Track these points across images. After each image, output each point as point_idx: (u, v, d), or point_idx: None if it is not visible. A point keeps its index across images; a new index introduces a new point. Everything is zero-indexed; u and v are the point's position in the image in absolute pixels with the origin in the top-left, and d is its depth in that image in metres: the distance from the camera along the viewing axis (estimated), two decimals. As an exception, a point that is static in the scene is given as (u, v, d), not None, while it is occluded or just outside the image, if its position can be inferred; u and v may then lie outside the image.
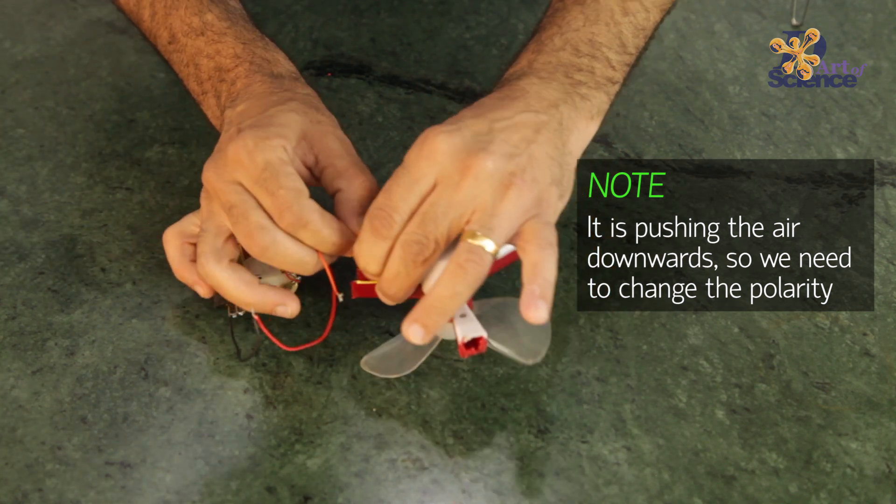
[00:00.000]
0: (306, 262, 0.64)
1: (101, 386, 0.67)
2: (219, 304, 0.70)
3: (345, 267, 0.66)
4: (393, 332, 0.70)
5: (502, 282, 0.74)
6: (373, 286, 0.64)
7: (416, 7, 0.95)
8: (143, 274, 0.73)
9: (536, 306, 0.60)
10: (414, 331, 0.61)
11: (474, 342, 0.63)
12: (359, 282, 0.65)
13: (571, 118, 0.66)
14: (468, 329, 0.64)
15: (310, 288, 0.72)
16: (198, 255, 0.66)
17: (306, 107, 0.67)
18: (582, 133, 0.67)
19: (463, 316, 0.64)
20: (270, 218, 0.63)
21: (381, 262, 0.62)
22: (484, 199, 0.60)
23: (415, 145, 0.62)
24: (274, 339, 0.68)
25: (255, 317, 0.68)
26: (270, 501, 0.62)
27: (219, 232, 0.65)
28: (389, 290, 0.63)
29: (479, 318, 0.65)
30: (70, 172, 0.79)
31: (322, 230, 0.63)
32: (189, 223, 0.69)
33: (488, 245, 0.60)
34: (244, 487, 0.62)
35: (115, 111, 0.84)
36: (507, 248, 0.64)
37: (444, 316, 0.61)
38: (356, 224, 0.65)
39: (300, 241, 0.64)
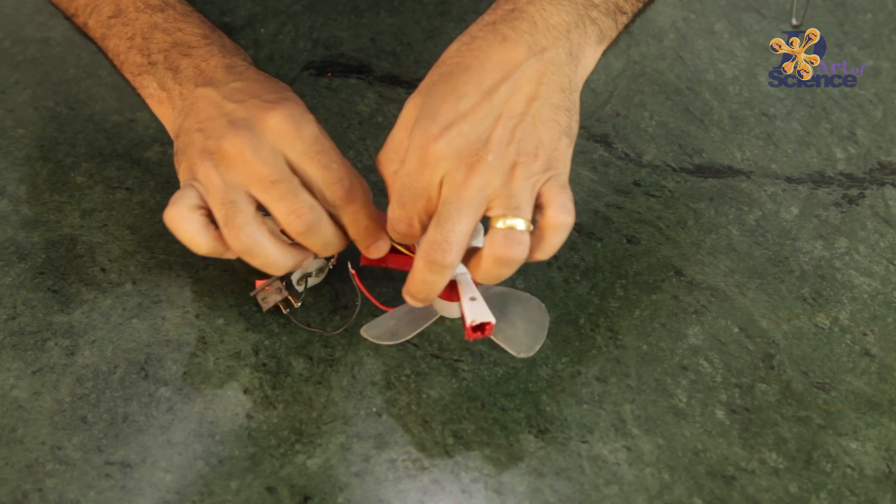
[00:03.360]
0: (336, 245, 0.66)
1: (101, 386, 0.67)
2: (269, 309, 0.70)
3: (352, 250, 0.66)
4: (417, 318, 0.70)
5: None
6: (381, 257, 0.67)
7: (416, 7, 0.95)
8: (143, 274, 0.73)
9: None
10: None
11: (481, 326, 0.64)
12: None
13: (580, 45, 0.65)
14: (478, 313, 0.64)
15: (310, 290, 0.72)
16: (230, 227, 0.63)
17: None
18: (589, 60, 0.66)
19: (473, 299, 0.65)
20: (314, 196, 0.63)
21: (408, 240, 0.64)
22: (495, 187, 0.60)
23: (413, 151, 0.61)
24: (371, 297, 0.69)
25: (352, 271, 0.69)
26: (270, 501, 0.62)
27: (250, 200, 0.63)
28: (418, 296, 0.63)
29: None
30: (70, 172, 0.79)
31: (365, 208, 0.65)
32: (191, 197, 0.64)
33: (519, 224, 0.61)
34: (244, 487, 0.62)
35: (115, 111, 0.84)
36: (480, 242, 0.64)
37: (428, 297, 0.64)
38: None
39: (340, 218, 0.65)
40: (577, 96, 0.64)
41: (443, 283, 0.62)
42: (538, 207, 0.62)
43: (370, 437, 0.65)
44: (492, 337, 0.67)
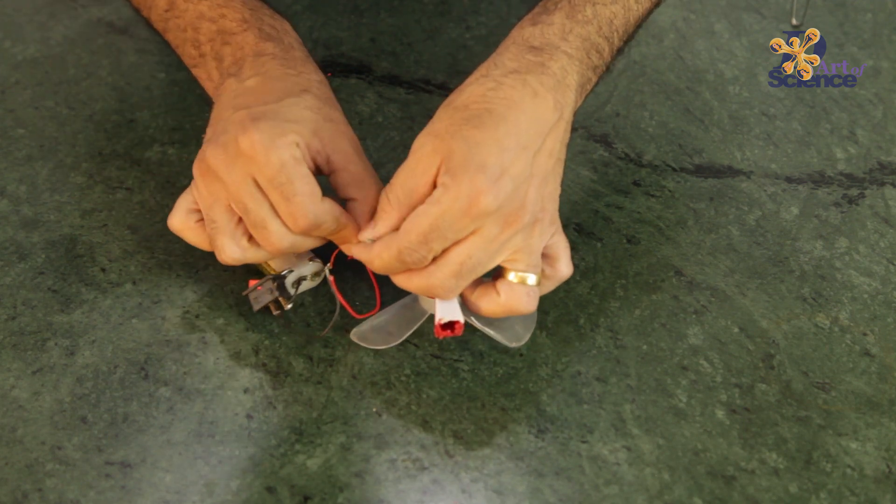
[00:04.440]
0: (312, 245, 0.67)
1: (101, 386, 0.67)
2: (259, 309, 0.70)
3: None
4: (406, 318, 0.70)
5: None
6: None
7: (416, 7, 0.95)
8: (143, 274, 0.73)
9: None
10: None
11: (451, 325, 0.65)
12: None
13: (574, 103, 0.66)
14: (447, 311, 0.65)
15: (309, 291, 0.72)
16: (214, 241, 0.66)
17: (320, 102, 0.66)
18: (570, 108, 0.67)
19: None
20: (284, 223, 0.64)
21: (392, 272, 0.65)
22: (517, 244, 0.63)
23: (459, 197, 0.60)
24: (344, 303, 0.70)
25: (330, 277, 0.70)
26: (270, 501, 0.62)
27: (230, 217, 0.65)
28: (382, 271, 0.65)
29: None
30: (70, 172, 0.79)
31: (337, 231, 0.65)
32: (187, 202, 0.67)
33: (532, 279, 0.65)
34: (244, 487, 0.62)
35: (115, 111, 0.84)
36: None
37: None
38: (372, 234, 0.66)
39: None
40: (565, 150, 0.67)
41: (457, 290, 0.64)
42: (545, 259, 0.66)
43: (370, 437, 0.65)
44: (482, 328, 0.67)
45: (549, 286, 0.68)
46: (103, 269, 0.73)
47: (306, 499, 0.62)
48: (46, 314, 0.71)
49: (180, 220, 0.67)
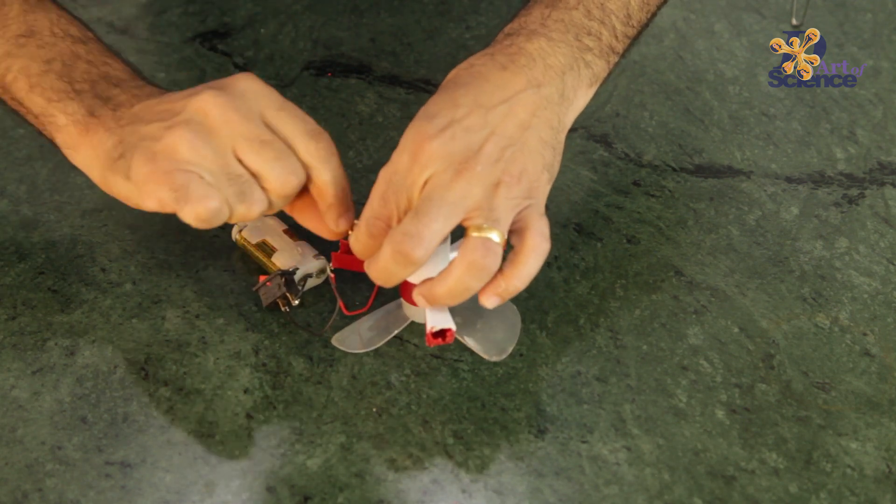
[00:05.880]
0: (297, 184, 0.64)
1: (101, 386, 0.67)
2: (268, 304, 0.70)
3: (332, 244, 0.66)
4: (388, 324, 0.70)
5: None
6: (353, 259, 0.66)
7: (416, 7, 0.95)
8: (143, 274, 0.73)
9: (491, 298, 0.62)
10: (420, 302, 0.63)
11: (442, 333, 0.64)
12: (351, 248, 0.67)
13: (574, 87, 0.66)
14: (438, 319, 0.64)
15: (311, 290, 0.72)
16: (243, 202, 0.61)
17: None
18: (580, 102, 0.67)
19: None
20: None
21: (370, 252, 0.63)
22: (477, 198, 0.61)
23: (406, 148, 0.61)
24: (340, 301, 0.70)
25: (331, 274, 0.70)
26: (270, 501, 0.62)
27: (237, 164, 0.62)
28: (378, 280, 0.63)
29: (454, 308, 0.66)
30: (70, 172, 0.79)
31: (341, 167, 0.64)
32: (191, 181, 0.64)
33: (495, 236, 0.60)
34: (244, 487, 0.62)
35: (115, 111, 0.84)
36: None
37: (454, 303, 0.62)
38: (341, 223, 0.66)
39: (319, 176, 0.63)
40: (563, 137, 0.65)
41: (404, 276, 0.62)
42: (515, 233, 0.62)
43: (370, 437, 0.65)
44: (462, 340, 0.68)
45: (528, 262, 0.62)
46: (103, 269, 0.73)
47: (306, 499, 0.62)
48: (46, 314, 0.71)
49: (190, 207, 0.60)
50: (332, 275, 0.70)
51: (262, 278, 0.70)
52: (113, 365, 0.68)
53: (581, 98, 0.67)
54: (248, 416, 0.66)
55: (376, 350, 0.69)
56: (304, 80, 0.88)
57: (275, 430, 0.65)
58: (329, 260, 0.70)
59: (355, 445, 0.65)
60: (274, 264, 0.71)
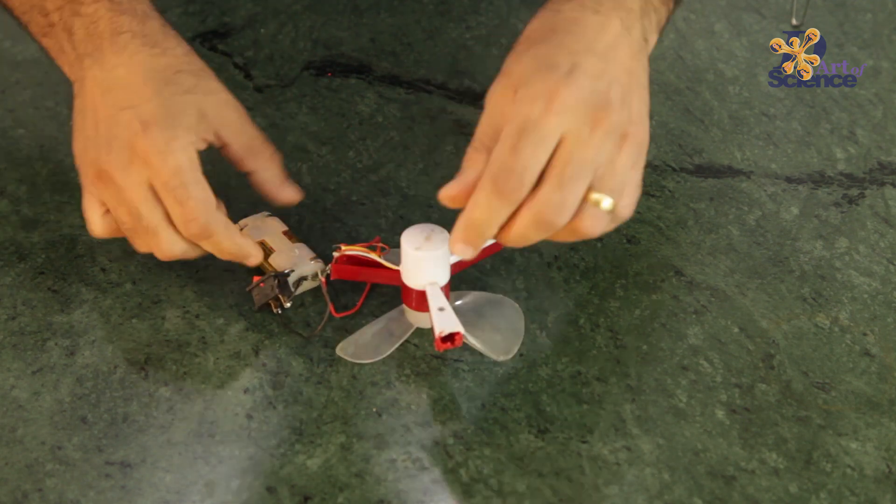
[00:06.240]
0: (200, 253, 0.67)
1: (101, 386, 0.67)
2: (260, 306, 0.70)
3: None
4: (392, 331, 0.70)
5: (501, 281, 0.74)
6: (354, 269, 0.67)
7: (416, 7, 0.95)
8: (143, 274, 0.73)
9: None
10: (465, 250, 0.61)
11: (451, 337, 0.64)
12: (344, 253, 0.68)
13: (650, 30, 0.64)
14: (446, 323, 0.64)
15: (310, 290, 0.72)
16: (143, 238, 0.66)
17: (196, 78, 0.66)
18: (651, 46, 0.65)
19: (441, 309, 0.65)
20: (175, 228, 0.64)
21: (500, 224, 0.59)
22: (607, 155, 0.59)
23: (534, 94, 0.57)
24: (330, 305, 0.70)
25: (322, 278, 0.70)
26: (270, 501, 0.62)
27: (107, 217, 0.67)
28: (509, 243, 0.60)
29: (456, 310, 0.66)
30: (70, 172, 0.79)
31: (223, 242, 0.65)
32: (99, 205, 0.67)
33: (605, 202, 0.59)
34: (244, 487, 0.62)
35: (115, 111, 0.84)
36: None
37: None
38: (291, 193, 0.69)
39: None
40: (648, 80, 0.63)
41: (539, 240, 0.59)
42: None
43: (370, 437, 0.65)
44: (469, 340, 0.67)
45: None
46: (103, 269, 0.73)
47: (306, 499, 0.62)
48: (46, 314, 0.70)
49: (103, 225, 0.67)
50: (322, 279, 0.70)
51: (256, 279, 0.70)
52: (113, 365, 0.68)
53: (652, 43, 0.65)
54: (248, 416, 0.66)
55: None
56: (304, 80, 0.88)
57: (275, 430, 0.65)
58: (326, 264, 0.70)
59: (355, 445, 0.65)
60: (271, 265, 0.71)
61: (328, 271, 0.70)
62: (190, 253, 0.67)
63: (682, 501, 0.63)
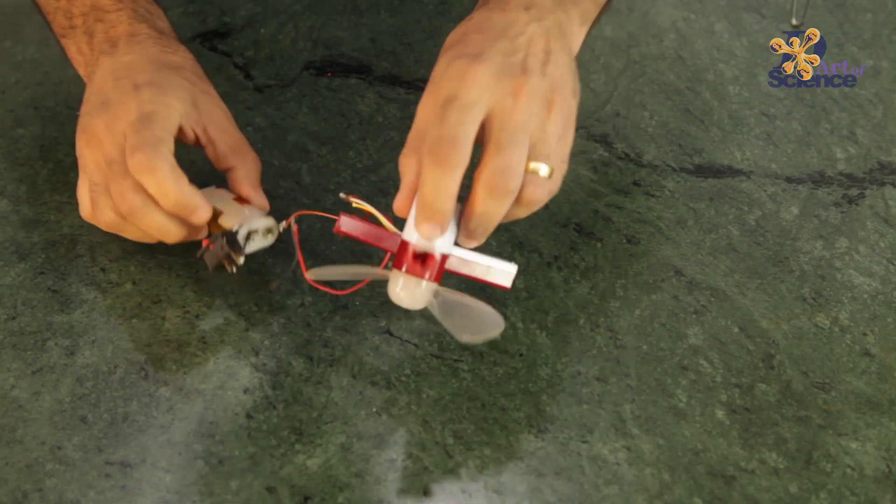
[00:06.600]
0: (169, 234, 0.67)
1: (101, 386, 0.67)
2: (214, 268, 0.69)
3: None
4: (393, 332, 0.70)
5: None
6: (359, 222, 0.64)
7: (416, 7, 0.95)
8: (143, 274, 0.73)
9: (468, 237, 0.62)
10: (430, 228, 0.61)
11: (424, 256, 0.62)
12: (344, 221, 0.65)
13: (566, 22, 0.65)
14: (443, 243, 0.62)
15: (310, 288, 0.72)
16: (96, 209, 0.68)
17: (196, 77, 0.70)
18: (576, 38, 0.66)
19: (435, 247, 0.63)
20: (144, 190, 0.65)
21: (452, 196, 0.60)
22: (538, 121, 0.60)
23: (449, 77, 0.60)
24: (300, 257, 0.69)
25: (294, 226, 0.69)
26: (270, 501, 0.62)
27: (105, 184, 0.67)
28: (477, 230, 0.62)
29: (442, 304, 0.64)
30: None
31: (167, 181, 0.64)
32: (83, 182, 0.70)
33: (543, 169, 0.60)
34: (244, 487, 0.62)
35: (115, 111, 0.84)
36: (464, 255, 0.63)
37: (488, 230, 0.62)
38: (259, 197, 0.70)
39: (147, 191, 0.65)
40: (575, 67, 0.64)
41: (503, 213, 0.60)
42: None
43: (370, 437, 0.65)
44: (438, 317, 0.64)
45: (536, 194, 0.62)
46: (103, 269, 0.73)
47: (306, 499, 0.62)
48: (46, 314, 0.71)
49: (89, 208, 0.69)
50: (294, 226, 0.68)
51: (205, 242, 0.69)
52: (113, 365, 0.68)
53: (576, 36, 0.66)
54: (248, 416, 0.66)
55: (376, 350, 0.69)
56: (304, 80, 0.88)
57: (275, 430, 0.65)
58: (279, 220, 0.69)
59: (355, 445, 0.65)
60: (220, 226, 0.69)
61: (280, 229, 0.69)
62: (165, 227, 0.66)
63: (682, 501, 0.63)
